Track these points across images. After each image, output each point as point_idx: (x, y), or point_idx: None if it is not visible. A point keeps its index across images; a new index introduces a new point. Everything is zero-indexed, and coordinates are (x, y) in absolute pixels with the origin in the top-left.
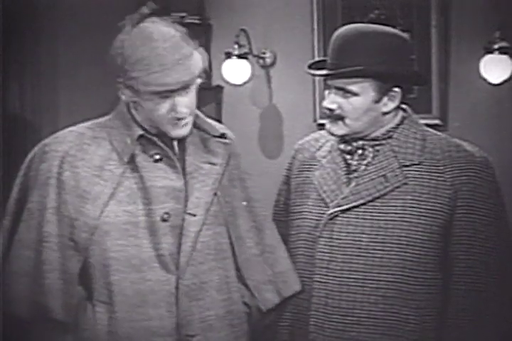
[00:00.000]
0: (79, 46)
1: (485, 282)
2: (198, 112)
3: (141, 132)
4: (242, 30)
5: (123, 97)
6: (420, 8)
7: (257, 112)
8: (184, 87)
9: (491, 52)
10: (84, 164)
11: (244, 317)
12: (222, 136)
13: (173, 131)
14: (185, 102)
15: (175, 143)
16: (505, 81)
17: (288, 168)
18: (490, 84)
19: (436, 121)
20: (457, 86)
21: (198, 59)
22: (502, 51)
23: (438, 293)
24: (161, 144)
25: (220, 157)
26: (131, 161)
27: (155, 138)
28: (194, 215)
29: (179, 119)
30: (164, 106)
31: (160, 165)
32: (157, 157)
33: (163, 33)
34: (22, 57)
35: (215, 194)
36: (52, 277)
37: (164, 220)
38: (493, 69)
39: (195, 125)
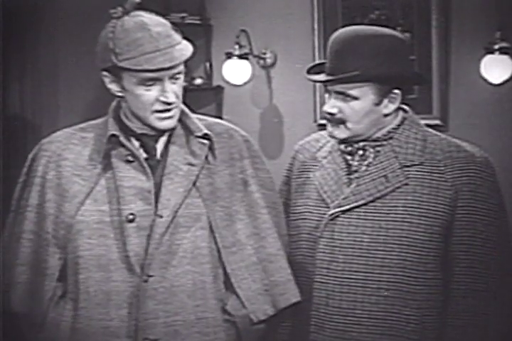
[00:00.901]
0: (79, 46)
1: (485, 282)
2: (188, 112)
3: (112, 132)
4: (243, 30)
5: (112, 88)
6: (421, 9)
7: (257, 112)
8: (174, 73)
9: (491, 52)
10: (67, 163)
11: (221, 325)
12: (205, 136)
13: (158, 123)
14: (174, 90)
15: (159, 143)
16: (505, 81)
17: (288, 169)
18: (490, 84)
19: (437, 122)
20: (458, 86)
21: (187, 47)
22: (502, 51)
23: (439, 293)
24: (128, 145)
25: (198, 158)
26: (108, 161)
27: (122, 139)
28: (161, 217)
29: (169, 104)
30: (154, 91)
31: (131, 165)
32: (129, 158)
33: (154, 19)
34: (22, 58)
35: (201, 196)
36: (19, 271)
37: (130, 221)
38: (494, 69)
39: (183, 125)
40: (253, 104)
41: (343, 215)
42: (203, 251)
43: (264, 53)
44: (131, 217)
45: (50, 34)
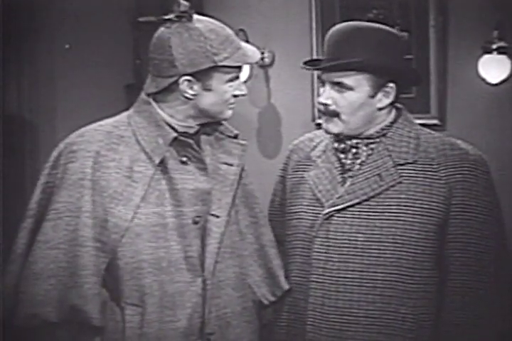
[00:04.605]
0: (77, 47)
1: (481, 280)
2: None
3: (175, 134)
4: (241, 30)
5: (189, 92)
6: (418, 8)
7: (255, 112)
8: None
9: (489, 52)
10: (115, 165)
11: (256, 313)
12: (236, 136)
13: (227, 114)
14: None
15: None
16: (503, 81)
17: (283, 168)
18: (488, 83)
19: (435, 121)
20: (455, 86)
21: None
22: (500, 51)
23: (434, 291)
24: (195, 146)
25: (236, 158)
26: (161, 163)
27: (191, 141)
28: (218, 216)
29: (238, 96)
30: (234, 86)
31: (188, 167)
32: (184, 159)
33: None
34: (20, 58)
35: (234, 195)
36: (91, 282)
37: (195, 223)
38: (492, 69)
39: (209, 125)
40: (251, 103)
41: (337, 214)
42: (237, 245)
43: (262, 52)
44: (197, 218)
45: (48, 34)
